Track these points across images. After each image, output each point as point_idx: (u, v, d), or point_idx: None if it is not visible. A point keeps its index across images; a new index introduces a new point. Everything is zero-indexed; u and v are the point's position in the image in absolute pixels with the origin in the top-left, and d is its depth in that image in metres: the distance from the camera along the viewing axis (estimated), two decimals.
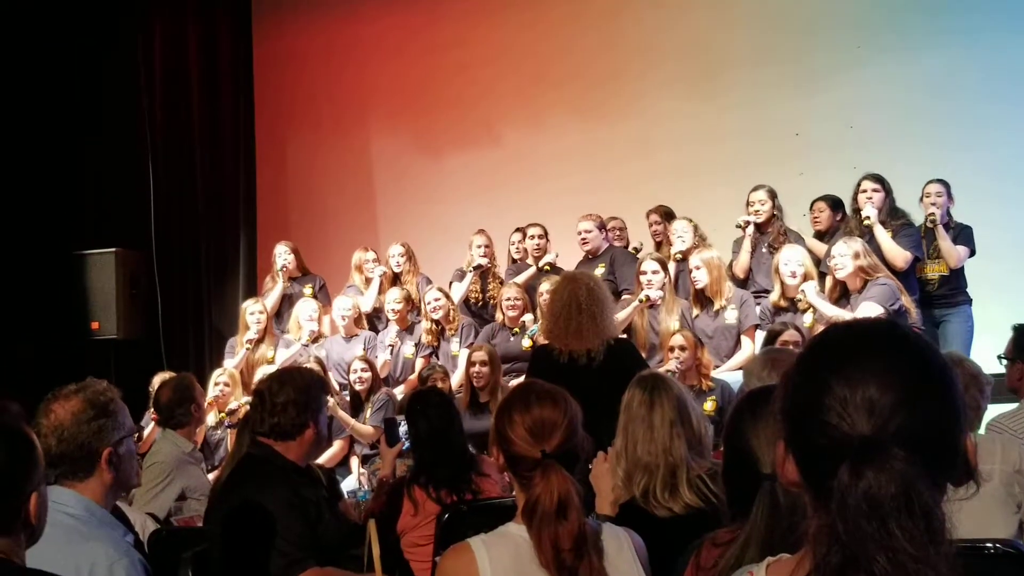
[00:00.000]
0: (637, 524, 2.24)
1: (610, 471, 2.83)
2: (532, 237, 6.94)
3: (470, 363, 5.88)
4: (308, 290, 7.25)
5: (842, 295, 5.41)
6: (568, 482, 1.92)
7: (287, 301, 7.27)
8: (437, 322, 6.57)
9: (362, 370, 6.20)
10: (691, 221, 6.39)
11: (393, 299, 6.75)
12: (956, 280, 5.96)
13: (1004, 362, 3.98)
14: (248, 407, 3.73)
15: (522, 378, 5.33)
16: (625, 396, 2.87)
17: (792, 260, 5.59)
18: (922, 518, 1.02)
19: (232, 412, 5.89)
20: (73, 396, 2.24)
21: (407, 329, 6.78)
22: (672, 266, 6.24)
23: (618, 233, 7.13)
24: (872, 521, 1.02)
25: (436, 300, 6.54)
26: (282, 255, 7.31)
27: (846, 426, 1.07)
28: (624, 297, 6.10)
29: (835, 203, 6.39)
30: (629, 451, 2.77)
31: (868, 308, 5.09)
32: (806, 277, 5.54)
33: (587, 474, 2.88)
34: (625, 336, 4.95)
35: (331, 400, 5.82)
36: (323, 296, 7.31)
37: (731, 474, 1.98)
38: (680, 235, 6.33)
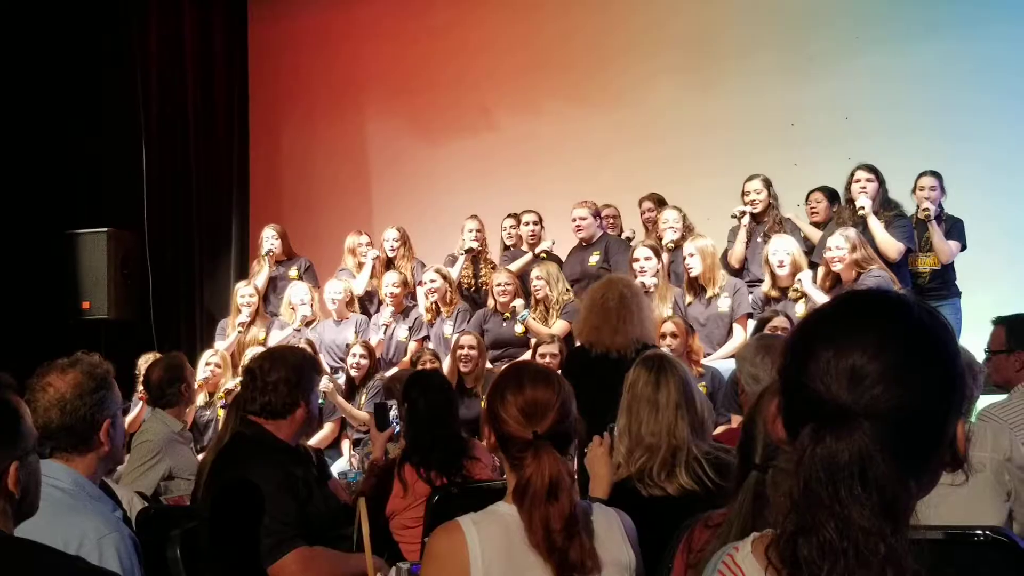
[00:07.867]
0: (629, 505, 2.24)
1: (606, 455, 2.81)
2: (527, 224, 6.93)
3: (458, 347, 5.88)
4: (293, 272, 7.24)
5: (835, 285, 5.41)
6: (559, 464, 1.90)
7: (273, 284, 7.27)
8: (434, 303, 6.57)
9: (361, 355, 6.19)
10: (680, 210, 6.41)
11: (391, 282, 6.74)
12: (946, 274, 5.97)
13: (991, 356, 3.89)
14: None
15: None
16: (630, 375, 2.86)
17: (780, 250, 5.60)
18: (876, 491, 1.00)
19: (229, 392, 5.87)
20: (70, 369, 2.23)
21: (402, 312, 6.78)
22: (665, 255, 6.25)
23: (611, 220, 7.13)
24: (826, 487, 1.01)
25: (432, 281, 6.54)
26: (269, 239, 7.29)
27: (823, 390, 1.06)
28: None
29: (832, 194, 6.39)
30: (633, 430, 2.77)
31: None
32: (795, 266, 5.54)
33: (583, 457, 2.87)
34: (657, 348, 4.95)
35: (329, 385, 5.82)
36: (309, 277, 7.30)
37: (741, 459, 1.98)
38: (671, 224, 6.34)
